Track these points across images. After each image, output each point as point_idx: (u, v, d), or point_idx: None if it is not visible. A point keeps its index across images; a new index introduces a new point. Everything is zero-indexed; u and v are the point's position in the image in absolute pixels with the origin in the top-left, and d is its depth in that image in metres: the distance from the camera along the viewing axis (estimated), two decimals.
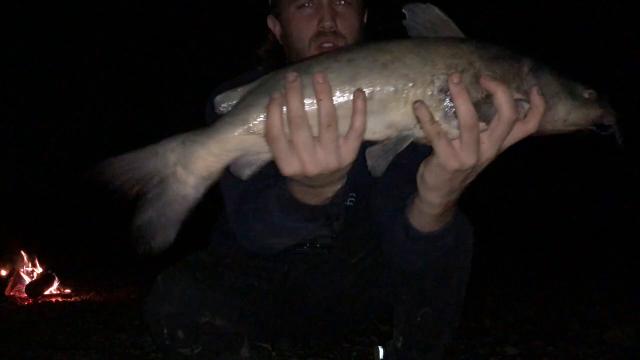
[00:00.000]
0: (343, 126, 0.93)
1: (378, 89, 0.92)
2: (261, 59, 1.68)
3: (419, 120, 0.92)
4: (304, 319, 1.73)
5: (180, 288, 1.39)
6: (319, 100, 0.89)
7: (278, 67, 1.62)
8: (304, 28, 1.49)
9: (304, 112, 0.90)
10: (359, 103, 0.89)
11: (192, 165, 0.94)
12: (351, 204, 1.63)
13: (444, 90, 0.92)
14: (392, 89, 0.92)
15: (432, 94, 0.92)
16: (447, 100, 0.92)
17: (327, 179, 0.99)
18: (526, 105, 0.96)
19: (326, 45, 1.47)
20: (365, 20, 1.59)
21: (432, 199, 1.09)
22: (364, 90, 0.91)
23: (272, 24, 1.63)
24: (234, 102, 0.98)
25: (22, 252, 5.52)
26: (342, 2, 1.49)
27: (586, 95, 1.02)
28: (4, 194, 8.30)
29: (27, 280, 5.34)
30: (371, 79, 0.92)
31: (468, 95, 0.91)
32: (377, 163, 0.96)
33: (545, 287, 4.97)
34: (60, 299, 5.12)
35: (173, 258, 1.52)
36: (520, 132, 0.97)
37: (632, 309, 3.63)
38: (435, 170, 1.01)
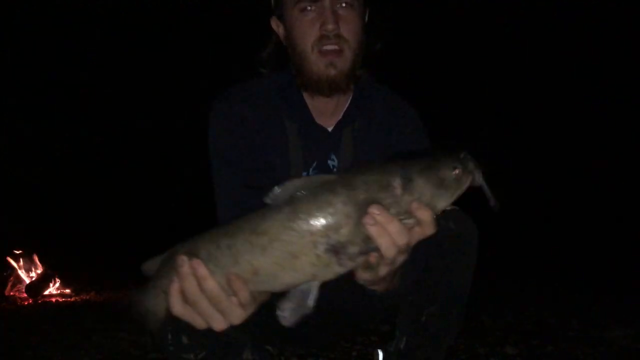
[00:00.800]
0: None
1: (262, 268, 0.97)
2: (264, 61, 1.66)
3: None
4: (306, 322, 1.72)
5: None
6: (202, 284, 0.98)
7: (281, 68, 1.62)
8: (307, 32, 1.47)
9: (197, 291, 0.99)
10: (236, 286, 0.98)
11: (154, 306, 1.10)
12: None
13: (329, 249, 0.95)
14: (276, 265, 0.96)
15: (318, 255, 0.95)
16: (335, 255, 0.96)
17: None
18: (411, 221, 0.98)
19: (329, 47, 1.46)
20: (365, 20, 1.58)
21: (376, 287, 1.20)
22: (249, 268, 0.97)
23: (276, 25, 1.61)
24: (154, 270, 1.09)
25: (22, 252, 5.51)
26: (344, 5, 1.47)
27: (454, 175, 1.00)
28: (4, 194, 8.30)
29: (27, 280, 5.34)
30: (253, 261, 0.96)
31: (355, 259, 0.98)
32: (290, 320, 1.03)
33: (545, 287, 4.98)
34: (60, 299, 5.12)
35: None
36: (417, 237, 1.01)
37: (632, 309, 3.63)
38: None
